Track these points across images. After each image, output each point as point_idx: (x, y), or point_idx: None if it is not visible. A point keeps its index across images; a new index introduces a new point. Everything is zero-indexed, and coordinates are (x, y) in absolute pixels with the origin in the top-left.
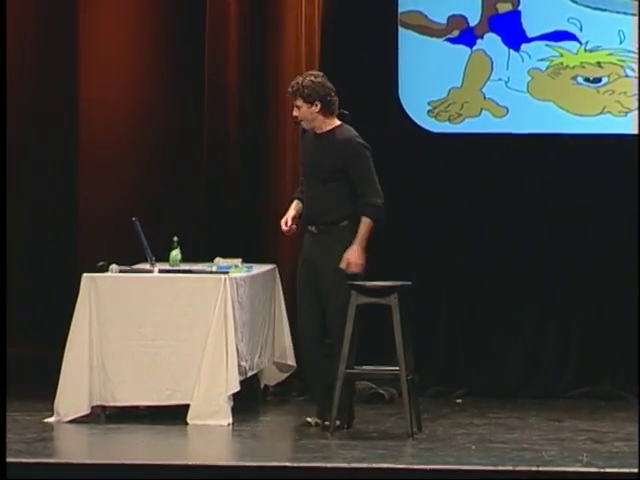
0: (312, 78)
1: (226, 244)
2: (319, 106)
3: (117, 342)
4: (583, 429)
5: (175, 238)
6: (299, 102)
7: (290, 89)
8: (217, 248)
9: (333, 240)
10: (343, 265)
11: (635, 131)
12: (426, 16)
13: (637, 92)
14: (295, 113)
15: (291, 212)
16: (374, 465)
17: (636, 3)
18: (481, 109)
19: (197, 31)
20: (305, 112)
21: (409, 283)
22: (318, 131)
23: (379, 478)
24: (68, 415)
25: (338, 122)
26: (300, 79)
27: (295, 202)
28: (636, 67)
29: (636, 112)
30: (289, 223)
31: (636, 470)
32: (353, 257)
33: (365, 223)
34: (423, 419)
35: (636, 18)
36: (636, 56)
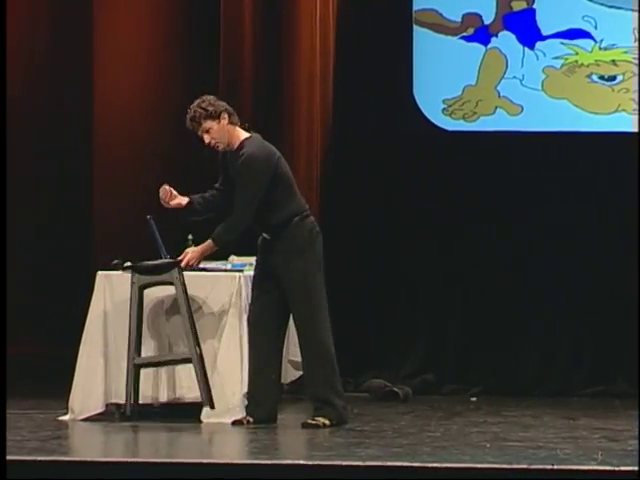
0: (205, 98)
1: (240, 242)
2: (227, 117)
3: None
4: (598, 427)
5: (189, 236)
6: (207, 124)
7: (190, 121)
8: (231, 246)
9: (286, 240)
10: (182, 256)
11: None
12: (441, 14)
13: (637, 90)
14: (207, 139)
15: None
16: (389, 463)
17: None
18: (496, 107)
19: (212, 31)
20: (217, 130)
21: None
22: (232, 148)
23: (394, 476)
24: (83, 413)
25: (246, 134)
26: (193, 107)
27: (199, 195)
28: None
29: None
30: (170, 193)
31: None
32: (192, 253)
33: (208, 244)
34: (437, 417)
35: (636, 14)
36: None
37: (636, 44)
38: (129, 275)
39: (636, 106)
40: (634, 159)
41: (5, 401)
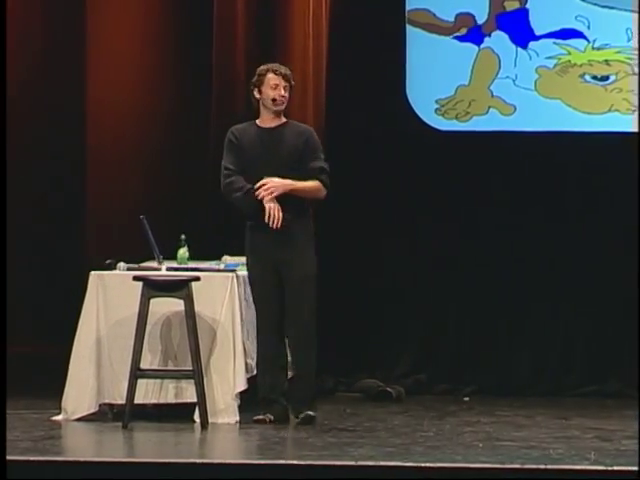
0: None
1: (234, 242)
2: None
3: (124, 340)
4: (590, 427)
5: (182, 236)
6: (288, 87)
7: (286, 72)
8: (225, 246)
9: (304, 226)
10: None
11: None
12: (434, 14)
13: (637, 90)
14: (283, 92)
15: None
16: (382, 463)
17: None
18: (489, 107)
19: (205, 30)
20: (287, 97)
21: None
22: (273, 124)
23: (387, 476)
24: (76, 413)
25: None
26: (288, 71)
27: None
28: None
29: None
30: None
31: None
32: (277, 181)
33: (315, 184)
34: (430, 417)
35: (636, 15)
36: None
37: (630, 44)
38: (124, 276)
39: (629, 106)
40: (628, 159)
41: (5, 401)
